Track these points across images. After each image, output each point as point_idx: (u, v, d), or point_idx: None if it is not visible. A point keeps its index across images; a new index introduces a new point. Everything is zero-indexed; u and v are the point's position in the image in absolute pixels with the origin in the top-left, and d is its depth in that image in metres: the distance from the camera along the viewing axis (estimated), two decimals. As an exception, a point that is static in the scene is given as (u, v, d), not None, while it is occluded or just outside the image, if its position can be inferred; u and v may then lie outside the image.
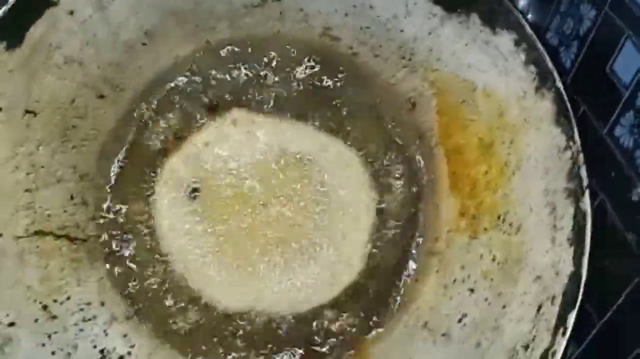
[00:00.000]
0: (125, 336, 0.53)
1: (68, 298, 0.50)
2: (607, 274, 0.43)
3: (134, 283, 0.55)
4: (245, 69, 0.56)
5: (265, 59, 0.56)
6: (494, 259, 0.50)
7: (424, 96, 0.55)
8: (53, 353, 0.48)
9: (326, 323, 0.56)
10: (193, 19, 0.52)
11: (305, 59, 0.56)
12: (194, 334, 0.55)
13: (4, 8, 0.44)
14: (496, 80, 0.49)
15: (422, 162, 0.57)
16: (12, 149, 0.48)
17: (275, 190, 0.56)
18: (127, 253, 0.55)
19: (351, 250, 0.56)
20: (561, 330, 0.44)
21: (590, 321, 0.44)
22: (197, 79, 0.56)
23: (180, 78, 0.56)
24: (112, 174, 0.55)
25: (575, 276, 0.44)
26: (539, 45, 0.46)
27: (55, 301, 0.49)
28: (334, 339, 0.56)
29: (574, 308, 0.44)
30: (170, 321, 0.55)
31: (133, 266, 0.55)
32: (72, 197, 0.52)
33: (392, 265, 0.57)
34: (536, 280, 0.46)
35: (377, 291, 0.56)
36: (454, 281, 0.53)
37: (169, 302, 0.55)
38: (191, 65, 0.56)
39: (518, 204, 0.49)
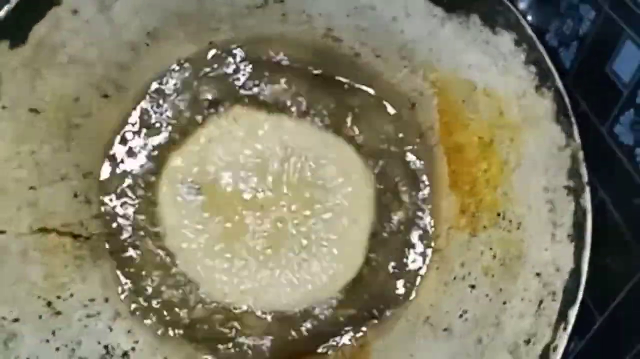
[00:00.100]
0: (129, 331, 0.52)
1: (72, 295, 0.50)
2: (607, 271, 0.43)
3: (138, 279, 0.54)
4: (248, 67, 0.56)
5: (268, 59, 0.56)
6: (494, 256, 0.50)
7: (425, 95, 0.54)
8: (57, 348, 0.48)
9: (327, 319, 0.55)
10: (195, 20, 0.52)
11: (308, 60, 0.56)
12: (196, 330, 0.54)
13: (8, 6, 0.43)
14: (496, 80, 0.49)
15: (422, 160, 0.57)
16: (16, 147, 0.47)
17: (276, 188, 0.56)
18: (130, 250, 0.54)
19: (351, 247, 0.56)
20: (562, 325, 0.43)
21: (592, 316, 0.43)
22: (200, 77, 0.55)
23: (183, 77, 0.55)
24: (115, 172, 0.54)
25: (575, 272, 0.44)
26: (539, 45, 0.46)
27: (59, 297, 0.49)
28: (336, 336, 0.55)
29: (574, 303, 0.43)
30: (173, 317, 0.54)
31: (136, 262, 0.54)
32: (75, 195, 0.52)
33: (392, 261, 0.56)
34: (536, 276, 0.46)
35: (377, 288, 0.56)
36: (455, 277, 0.53)
37: (171, 298, 0.54)
38: (194, 64, 0.55)
39: (518, 202, 0.49)
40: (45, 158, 0.49)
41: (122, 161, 0.55)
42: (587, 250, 0.44)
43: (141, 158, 0.55)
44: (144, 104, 0.55)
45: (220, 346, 0.54)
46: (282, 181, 0.56)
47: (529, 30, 0.46)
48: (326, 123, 0.56)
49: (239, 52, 0.55)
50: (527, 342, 0.45)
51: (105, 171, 0.54)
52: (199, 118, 0.55)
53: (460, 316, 0.51)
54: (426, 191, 0.57)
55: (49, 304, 0.48)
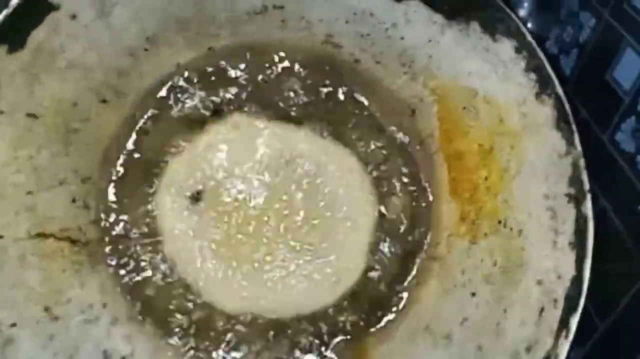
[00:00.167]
0: (127, 337, 0.52)
1: (70, 300, 0.49)
2: (609, 279, 0.43)
3: (136, 285, 0.53)
4: (247, 74, 0.55)
5: (267, 65, 0.55)
6: (495, 264, 0.50)
7: (425, 102, 0.54)
8: (55, 354, 0.47)
9: (327, 325, 0.55)
10: (195, 25, 0.52)
11: (307, 66, 0.56)
12: (196, 336, 0.54)
13: (6, 11, 0.43)
14: (496, 87, 0.49)
15: (422, 167, 0.57)
16: (14, 152, 0.46)
17: (276, 194, 0.55)
18: (129, 256, 0.54)
19: (352, 254, 0.56)
20: (564, 333, 0.43)
21: (593, 324, 0.43)
22: (199, 83, 0.55)
23: (182, 83, 0.55)
24: (114, 177, 0.54)
25: (577, 280, 0.43)
26: (539, 52, 0.46)
27: (56, 302, 0.48)
28: (336, 342, 0.55)
29: (576, 311, 0.43)
30: (172, 323, 0.54)
31: (135, 268, 0.54)
32: (74, 201, 0.51)
33: (393, 269, 0.56)
34: (538, 284, 0.46)
35: (378, 294, 0.56)
36: (455, 285, 0.52)
37: (170, 304, 0.54)
38: (193, 70, 0.55)
39: (518, 209, 0.49)
40: (43, 163, 0.48)
41: (121, 166, 0.54)
42: (588, 258, 0.43)
43: (140, 164, 0.54)
44: (143, 109, 0.54)
45: (220, 352, 0.54)
46: (282, 187, 0.55)
47: (529, 38, 0.46)
48: (326, 129, 0.56)
49: (239, 60, 0.55)
50: (528, 350, 0.45)
51: (104, 176, 0.54)
52: (198, 125, 0.55)
53: (461, 323, 0.50)
54: (426, 199, 0.57)
55: (47, 309, 0.48)
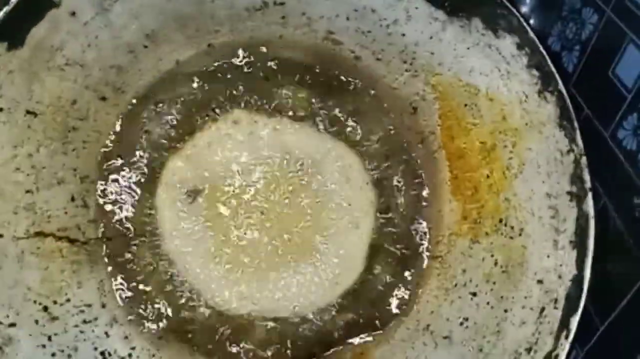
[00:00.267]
0: (126, 337, 0.53)
1: (68, 300, 0.50)
2: (609, 278, 0.43)
3: (135, 285, 0.54)
4: (248, 70, 0.56)
5: (268, 61, 0.56)
6: (496, 263, 0.50)
7: (426, 99, 0.55)
8: (53, 354, 0.48)
9: (327, 325, 0.56)
10: (194, 22, 0.52)
11: (308, 62, 0.56)
12: (195, 336, 0.55)
13: (6, 8, 0.44)
14: (498, 84, 0.49)
15: (424, 166, 0.57)
16: (13, 150, 0.47)
17: (276, 192, 0.56)
18: (128, 255, 0.54)
19: (352, 253, 0.56)
20: (564, 333, 0.44)
21: (593, 324, 0.43)
22: (199, 80, 0.56)
23: (181, 80, 0.55)
24: (113, 175, 0.55)
25: (578, 280, 0.44)
26: (541, 48, 0.46)
27: (55, 302, 0.49)
28: (336, 342, 0.56)
29: (576, 311, 0.44)
30: (171, 323, 0.54)
31: (134, 267, 0.54)
32: (72, 199, 0.52)
33: (393, 269, 0.57)
34: (538, 283, 0.46)
35: (378, 294, 0.56)
36: (456, 284, 0.53)
37: (169, 304, 0.54)
38: (193, 66, 0.55)
39: (520, 208, 0.49)
40: (42, 161, 0.49)
41: (120, 164, 0.55)
42: (589, 257, 0.44)
43: (139, 162, 0.55)
44: (142, 106, 0.55)
45: (220, 353, 0.54)
46: (283, 185, 0.56)
47: (531, 34, 0.47)
48: (326, 127, 0.57)
49: (239, 57, 0.56)
50: (529, 350, 0.46)
51: (103, 175, 0.54)
52: (198, 122, 0.56)
53: (461, 323, 0.51)
54: (427, 197, 0.57)
55: (46, 309, 0.48)
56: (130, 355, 0.52)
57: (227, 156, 0.56)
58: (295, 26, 0.54)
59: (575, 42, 0.47)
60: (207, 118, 0.56)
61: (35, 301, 0.48)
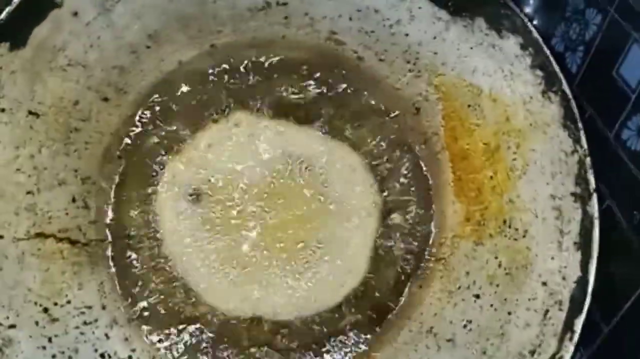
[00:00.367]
0: (126, 339, 0.53)
1: (69, 301, 0.50)
2: (614, 279, 0.43)
3: (136, 287, 0.55)
4: (250, 71, 0.56)
5: (270, 63, 0.56)
6: (499, 265, 0.51)
7: (429, 100, 0.55)
8: (54, 356, 0.48)
9: (329, 328, 0.56)
10: (197, 23, 0.53)
11: (310, 63, 0.57)
12: (197, 337, 0.55)
13: (8, 8, 0.44)
14: (502, 85, 0.50)
15: (427, 167, 0.58)
16: (15, 151, 0.48)
17: (278, 194, 0.56)
18: (128, 256, 0.55)
19: (355, 255, 0.57)
20: (568, 335, 0.44)
21: (597, 326, 0.44)
22: (200, 81, 0.56)
23: (184, 81, 0.56)
24: (114, 177, 0.55)
25: (582, 281, 0.44)
26: (545, 48, 0.47)
27: (55, 304, 0.50)
28: (339, 345, 0.56)
29: (581, 313, 0.44)
30: (171, 325, 0.55)
31: (135, 269, 0.55)
32: (74, 200, 0.52)
33: (396, 270, 0.57)
34: (543, 285, 0.47)
35: (381, 296, 0.57)
36: (459, 287, 0.53)
37: (170, 305, 0.55)
38: (195, 68, 0.56)
39: (524, 209, 0.49)
40: (44, 162, 0.50)
41: (121, 165, 0.55)
42: (594, 258, 0.44)
43: (141, 163, 0.56)
44: (144, 107, 0.56)
45: (221, 354, 0.55)
46: (284, 186, 0.56)
47: (535, 34, 0.47)
48: (329, 128, 0.57)
49: (241, 58, 0.56)
50: (532, 353, 0.46)
51: (104, 176, 0.55)
52: (200, 123, 0.56)
53: (465, 326, 0.51)
54: (431, 199, 0.57)
55: (46, 310, 0.49)
56: (130, 357, 0.53)
57: (228, 158, 0.56)
58: (297, 26, 0.54)
59: (578, 42, 0.47)
60: (208, 119, 0.56)
61: (35, 303, 0.48)
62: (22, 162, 0.48)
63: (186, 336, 0.55)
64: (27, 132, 0.48)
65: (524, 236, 0.49)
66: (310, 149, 0.57)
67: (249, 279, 0.56)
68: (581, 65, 0.47)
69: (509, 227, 0.50)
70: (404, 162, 0.58)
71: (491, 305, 0.50)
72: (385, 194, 0.57)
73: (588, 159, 0.45)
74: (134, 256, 0.55)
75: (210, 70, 0.56)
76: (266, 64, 0.57)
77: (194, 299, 0.55)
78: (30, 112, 0.48)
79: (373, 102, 0.57)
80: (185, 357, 0.55)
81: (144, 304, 0.55)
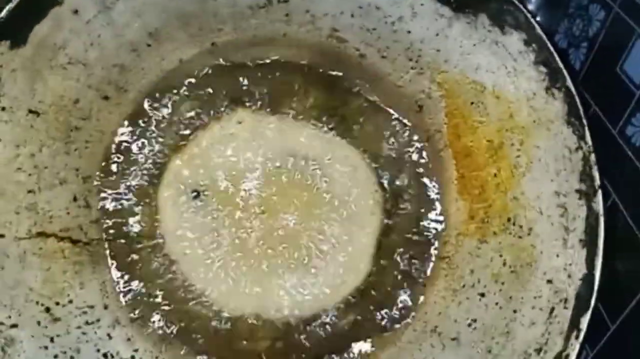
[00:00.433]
0: (129, 339, 0.53)
1: (71, 301, 0.51)
2: (619, 276, 0.43)
3: (138, 286, 0.55)
4: (252, 69, 0.57)
5: (271, 60, 0.57)
6: (504, 263, 0.51)
7: (432, 97, 0.55)
8: (55, 356, 0.48)
9: (333, 326, 0.56)
10: (197, 20, 0.53)
11: (312, 61, 0.57)
12: (199, 336, 0.55)
13: (9, 6, 0.44)
14: (505, 81, 0.50)
15: (430, 165, 0.58)
16: (15, 150, 0.48)
17: (280, 192, 0.56)
18: (130, 255, 0.55)
19: (358, 253, 0.57)
20: (574, 333, 0.44)
21: (604, 324, 0.44)
22: (202, 79, 0.56)
23: (185, 79, 0.56)
24: (115, 176, 0.55)
25: (588, 279, 0.44)
26: (549, 45, 0.47)
27: (57, 303, 0.50)
28: (342, 345, 0.56)
29: (587, 311, 0.44)
30: (173, 325, 0.55)
31: (136, 268, 0.55)
32: (75, 199, 0.53)
33: (399, 269, 0.57)
34: (548, 283, 0.47)
35: (384, 295, 0.57)
36: (463, 285, 0.53)
37: (173, 305, 0.55)
38: (195, 66, 0.56)
39: (528, 207, 0.49)
40: (44, 161, 0.50)
41: (122, 164, 0.56)
42: (599, 255, 0.44)
43: (142, 162, 0.56)
44: (145, 106, 0.56)
45: (222, 354, 0.55)
46: (287, 185, 0.57)
47: (539, 30, 0.47)
48: (331, 126, 0.57)
49: (242, 56, 0.57)
50: (538, 351, 0.46)
51: (105, 175, 0.55)
52: (201, 121, 0.56)
53: (469, 325, 0.51)
54: (434, 197, 0.58)
55: (48, 310, 0.49)
56: (133, 357, 0.53)
57: (230, 156, 0.56)
58: (299, 24, 0.54)
59: (582, 39, 0.47)
60: (210, 118, 0.57)
61: (37, 302, 0.49)
62: (22, 161, 0.49)
63: (186, 335, 0.55)
64: (27, 131, 0.48)
65: (528, 234, 0.49)
66: (312, 148, 0.57)
67: (250, 278, 0.56)
68: (585, 61, 0.47)
69: (514, 224, 0.51)
70: (406, 160, 0.58)
71: (496, 303, 0.50)
72: (387, 191, 0.58)
73: (592, 156, 0.45)
74: (135, 255, 0.55)
75: (211, 69, 0.56)
76: (267, 62, 0.57)
77: (194, 298, 0.55)
78: (30, 111, 0.48)
79: (375, 100, 0.58)
80: (186, 357, 0.55)
81: (146, 303, 0.55)
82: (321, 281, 0.56)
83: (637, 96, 0.41)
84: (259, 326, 0.56)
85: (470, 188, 0.55)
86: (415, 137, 0.58)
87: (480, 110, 0.52)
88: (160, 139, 0.56)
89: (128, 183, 0.56)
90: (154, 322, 0.55)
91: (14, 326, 0.47)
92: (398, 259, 0.57)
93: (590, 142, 0.45)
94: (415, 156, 0.58)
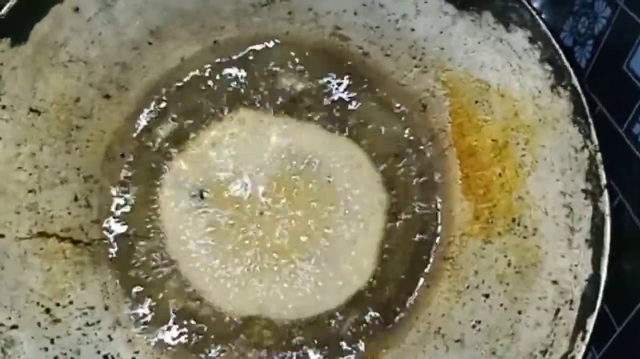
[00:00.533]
0: (129, 341, 0.53)
1: (71, 302, 0.51)
2: (626, 277, 0.43)
3: (139, 287, 0.55)
4: (253, 68, 0.57)
5: (274, 59, 0.57)
6: (509, 264, 0.51)
7: (437, 96, 0.55)
8: (56, 357, 0.49)
9: (335, 328, 0.56)
10: (199, 18, 0.53)
11: (315, 59, 0.57)
12: (200, 337, 0.55)
13: (9, 4, 0.45)
14: (510, 79, 0.50)
15: (434, 164, 0.58)
16: (16, 149, 0.48)
17: (283, 192, 0.56)
18: (131, 256, 0.55)
19: (361, 254, 0.57)
20: (580, 335, 0.44)
21: (610, 325, 0.44)
22: (204, 78, 0.56)
23: (186, 78, 0.56)
24: (116, 175, 0.56)
25: (594, 279, 0.44)
26: (554, 42, 0.47)
27: (58, 304, 0.50)
28: (345, 346, 0.56)
29: (593, 312, 0.44)
30: (174, 325, 0.55)
31: (137, 269, 0.55)
32: (76, 199, 0.53)
33: (403, 270, 0.57)
34: (553, 284, 0.47)
35: (387, 296, 0.57)
36: (468, 286, 0.53)
37: (174, 306, 0.55)
38: (197, 64, 0.56)
39: (533, 207, 0.49)
40: (45, 160, 0.50)
41: (124, 164, 0.56)
42: (605, 256, 0.44)
43: (144, 161, 0.56)
44: (147, 105, 0.56)
45: (224, 355, 0.55)
46: (289, 185, 0.56)
47: (544, 27, 0.47)
48: (334, 126, 0.57)
49: (244, 54, 0.57)
50: (544, 353, 0.46)
51: (106, 174, 0.55)
52: (203, 121, 0.56)
53: (473, 326, 0.51)
54: (438, 197, 0.58)
55: (48, 311, 0.49)
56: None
57: (232, 156, 0.56)
58: (301, 22, 0.54)
59: (588, 36, 0.47)
60: (212, 117, 0.57)
61: (37, 303, 0.49)
62: (23, 160, 0.49)
63: (187, 336, 0.55)
64: (28, 130, 0.49)
65: (533, 234, 0.49)
66: (315, 146, 0.57)
67: (252, 279, 0.56)
68: (590, 59, 0.47)
69: (518, 225, 0.51)
70: (410, 159, 0.58)
71: (501, 304, 0.50)
72: (391, 192, 0.57)
73: (599, 155, 0.45)
74: (136, 255, 0.55)
75: (213, 67, 0.56)
76: (270, 61, 0.57)
77: (196, 299, 0.55)
78: (31, 109, 0.48)
79: (379, 99, 0.57)
80: (186, 357, 0.55)
81: (146, 304, 0.55)
82: (324, 281, 0.56)
83: (644, 93, 0.41)
84: (261, 326, 0.56)
85: (474, 188, 0.55)
86: (419, 137, 0.58)
87: (485, 109, 0.52)
88: (162, 139, 0.56)
89: (130, 183, 0.56)
90: (154, 323, 0.55)
91: (14, 327, 0.47)
92: (401, 259, 0.57)
93: (596, 141, 0.45)
94: (419, 156, 0.58)
